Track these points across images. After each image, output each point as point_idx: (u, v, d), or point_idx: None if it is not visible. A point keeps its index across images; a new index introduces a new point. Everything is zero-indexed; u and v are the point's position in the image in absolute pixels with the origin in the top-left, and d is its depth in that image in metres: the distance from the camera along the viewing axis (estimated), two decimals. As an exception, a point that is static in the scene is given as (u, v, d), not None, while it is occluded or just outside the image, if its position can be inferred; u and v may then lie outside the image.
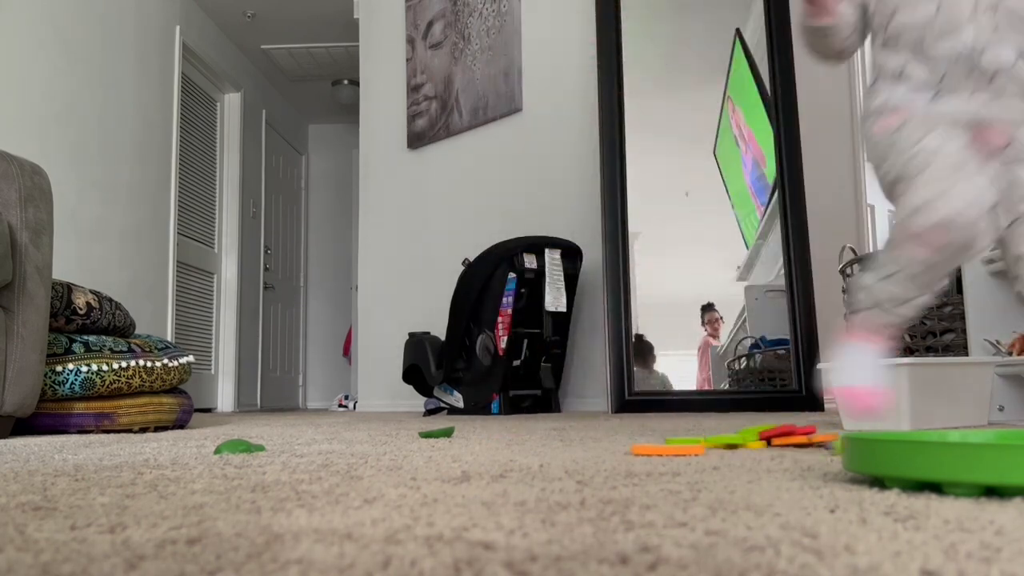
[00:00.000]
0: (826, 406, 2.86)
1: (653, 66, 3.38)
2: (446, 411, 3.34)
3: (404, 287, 4.31)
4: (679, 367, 3.26)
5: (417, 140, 4.40)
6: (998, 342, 1.99)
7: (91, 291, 2.12)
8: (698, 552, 0.43)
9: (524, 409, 3.28)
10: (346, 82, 6.24)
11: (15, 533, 0.53)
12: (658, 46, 3.42)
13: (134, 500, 0.70)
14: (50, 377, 1.93)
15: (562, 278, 3.35)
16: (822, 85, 3.19)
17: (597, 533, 0.49)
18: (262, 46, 5.58)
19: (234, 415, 3.99)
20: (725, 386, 3.13)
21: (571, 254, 3.42)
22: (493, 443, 1.35)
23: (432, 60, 4.34)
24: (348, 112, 6.86)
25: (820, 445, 1.14)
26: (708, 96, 3.26)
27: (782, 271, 3.02)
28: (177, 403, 2.15)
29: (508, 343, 3.21)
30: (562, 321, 3.41)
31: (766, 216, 3.10)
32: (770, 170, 3.10)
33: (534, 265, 3.26)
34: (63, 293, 2.01)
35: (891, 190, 1.34)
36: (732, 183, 3.19)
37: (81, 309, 2.03)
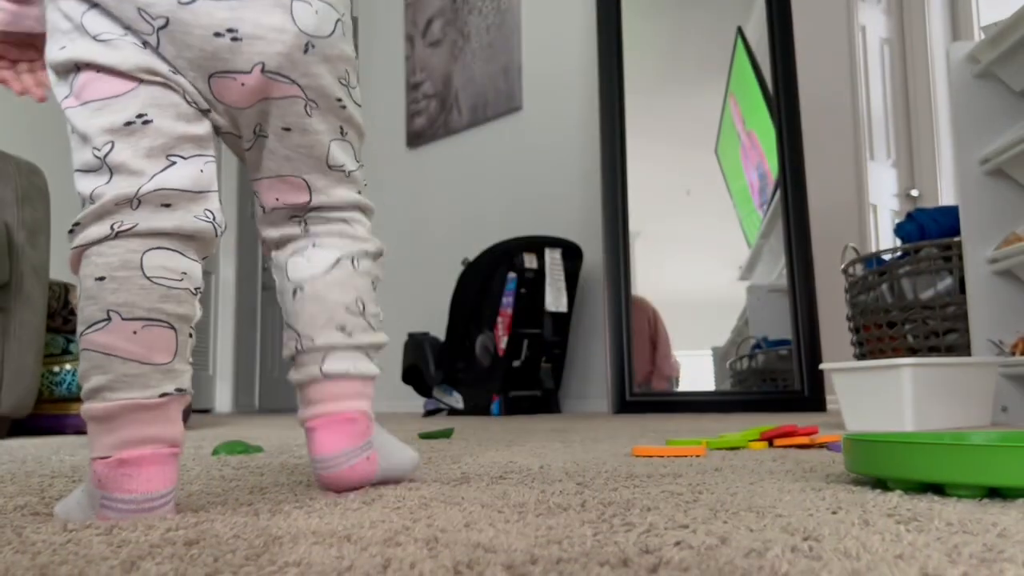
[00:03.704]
0: (828, 406, 2.86)
1: (654, 64, 3.37)
2: (446, 412, 3.34)
3: (403, 287, 4.31)
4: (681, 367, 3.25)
5: (416, 139, 4.39)
6: (1001, 342, 1.98)
7: (90, 291, 2.11)
8: (700, 554, 0.43)
9: (524, 410, 3.27)
10: (346, 81, 6.24)
11: (12, 535, 0.52)
12: (659, 44, 3.42)
13: (132, 501, 0.69)
14: (47, 378, 1.93)
15: (563, 278, 3.35)
16: (824, 83, 3.19)
17: (598, 535, 0.48)
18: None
19: (232, 416, 3.99)
20: (727, 387, 3.13)
21: (571, 253, 3.41)
22: (493, 444, 1.35)
23: (431, 58, 4.34)
24: (348, 112, 6.86)
25: (823, 446, 1.14)
26: (709, 94, 3.26)
27: (784, 271, 3.01)
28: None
29: (508, 343, 3.21)
30: (562, 321, 3.40)
31: (768, 215, 3.10)
32: (772, 169, 3.10)
33: (534, 265, 3.26)
34: (60, 293, 2.01)
35: None
36: (733, 182, 3.18)
37: (80, 309, 2.03)
